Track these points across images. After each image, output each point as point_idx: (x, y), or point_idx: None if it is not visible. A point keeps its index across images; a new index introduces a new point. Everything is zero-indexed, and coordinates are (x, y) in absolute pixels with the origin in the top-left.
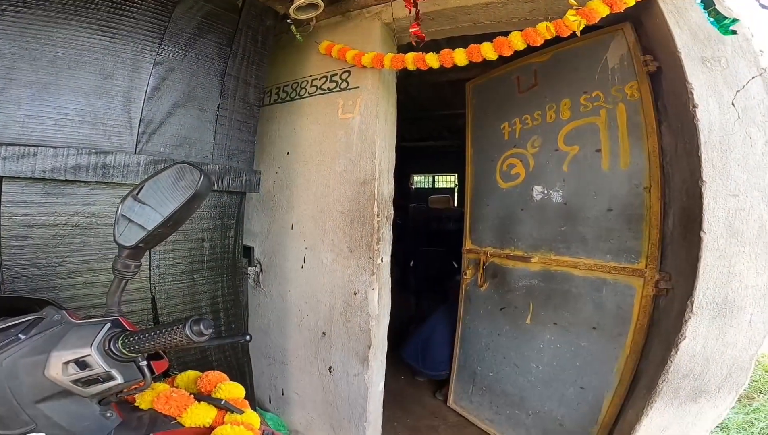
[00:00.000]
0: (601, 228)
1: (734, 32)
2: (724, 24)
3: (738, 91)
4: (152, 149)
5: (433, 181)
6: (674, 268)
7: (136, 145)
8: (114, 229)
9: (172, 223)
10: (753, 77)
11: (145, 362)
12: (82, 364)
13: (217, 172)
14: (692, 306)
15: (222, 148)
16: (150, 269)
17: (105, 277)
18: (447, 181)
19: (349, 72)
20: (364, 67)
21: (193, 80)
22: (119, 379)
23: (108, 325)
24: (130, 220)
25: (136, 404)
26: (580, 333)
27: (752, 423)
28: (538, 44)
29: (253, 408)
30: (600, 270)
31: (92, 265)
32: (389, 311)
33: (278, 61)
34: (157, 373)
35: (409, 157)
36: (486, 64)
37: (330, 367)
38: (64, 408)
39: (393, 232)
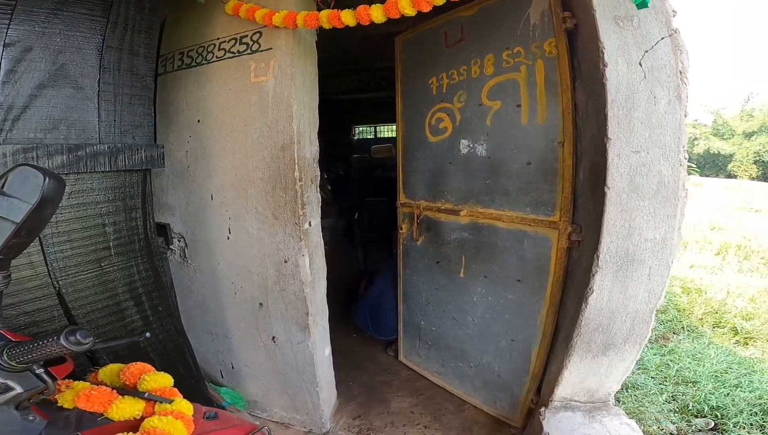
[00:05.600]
0: (522, 181)
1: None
2: None
3: (646, 51)
4: (20, 136)
5: (376, 132)
6: (584, 221)
7: None
8: None
9: (26, 233)
10: (662, 38)
11: (42, 369)
12: None
13: (106, 151)
14: (598, 260)
15: (110, 125)
16: (47, 263)
17: None
18: (390, 130)
19: (260, 33)
20: (276, 27)
21: (60, 57)
22: (18, 389)
23: None
24: None
25: (59, 404)
26: (507, 286)
27: (668, 365)
28: None
29: (202, 386)
30: (521, 222)
31: None
32: (325, 275)
33: (180, 24)
34: (58, 378)
35: (350, 109)
36: (414, 18)
37: (273, 338)
38: None
39: (336, 184)
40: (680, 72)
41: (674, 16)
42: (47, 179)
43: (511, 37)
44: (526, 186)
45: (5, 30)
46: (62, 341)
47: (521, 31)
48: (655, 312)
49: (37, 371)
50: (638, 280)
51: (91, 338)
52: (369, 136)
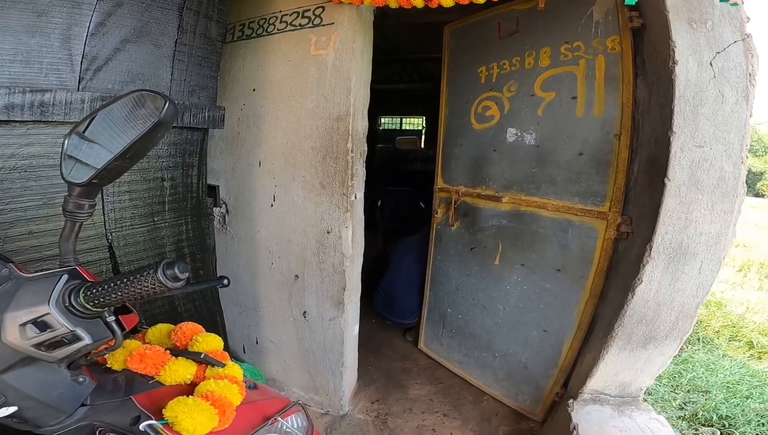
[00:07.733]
0: (571, 171)
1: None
2: None
3: (718, 52)
4: (99, 86)
5: (401, 123)
6: (636, 212)
7: (79, 82)
8: (61, 166)
9: (131, 156)
10: (735, 41)
11: (113, 317)
12: (41, 324)
13: None
14: (650, 250)
15: (180, 84)
16: (104, 213)
17: (52, 224)
18: (414, 123)
19: (323, 8)
20: (340, 2)
21: (145, 15)
22: (87, 339)
23: (65, 277)
24: (77, 160)
25: (108, 365)
26: (545, 275)
27: (681, 374)
28: None
29: (230, 358)
30: (567, 211)
31: (36, 212)
32: (363, 251)
33: None
34: (127, 329)
35: (377, 99)
36: (467, 9)
37: (304, 312)
38: (31, 377)
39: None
40: (750, 74)
41: (748, 21)
42: (167, 102)
43: (571, 32)
44: (575, 176)
45: None
46: (159, 276)
47: (582, 27)
48: (700, 308)
49: (108, 319)
50: (689, 273)
51: (188, 274)
52: (394, 127)
